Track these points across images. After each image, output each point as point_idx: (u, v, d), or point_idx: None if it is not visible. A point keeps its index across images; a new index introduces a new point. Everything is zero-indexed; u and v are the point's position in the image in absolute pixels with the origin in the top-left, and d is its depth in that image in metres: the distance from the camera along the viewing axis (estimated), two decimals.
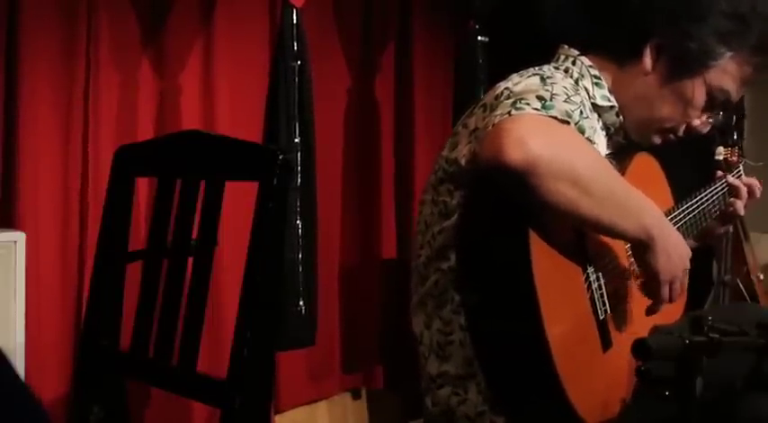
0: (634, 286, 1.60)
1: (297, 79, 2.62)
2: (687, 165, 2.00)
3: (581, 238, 1.46)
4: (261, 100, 2.71)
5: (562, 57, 1.64)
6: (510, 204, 1.36)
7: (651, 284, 1.50)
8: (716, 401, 1.38)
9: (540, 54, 1.66)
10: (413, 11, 3.21)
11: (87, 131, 2.47)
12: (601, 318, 1.47)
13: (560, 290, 1.40)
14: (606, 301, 1.49)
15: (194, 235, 1.69)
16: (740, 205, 1.90)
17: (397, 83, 3.24)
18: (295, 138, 2.62)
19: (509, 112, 1.34)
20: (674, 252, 1.47)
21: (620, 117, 1.61)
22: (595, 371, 1.45)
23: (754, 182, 1.94)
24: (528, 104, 1.35)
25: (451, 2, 3.27)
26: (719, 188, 1.88)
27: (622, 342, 1.49)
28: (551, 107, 1.36)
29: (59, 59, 2.42)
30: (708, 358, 1.17)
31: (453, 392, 1.48)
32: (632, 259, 1.59)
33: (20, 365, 2.16)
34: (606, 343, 1.47)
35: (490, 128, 1.34)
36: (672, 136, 1.67)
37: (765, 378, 1.39)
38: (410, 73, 3.22)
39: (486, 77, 2.95)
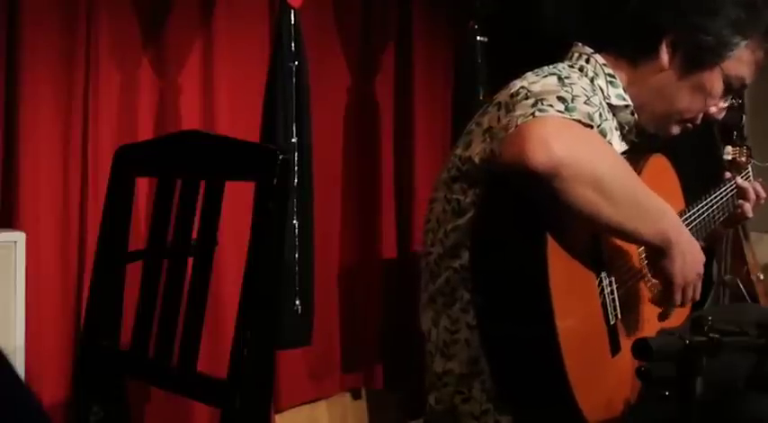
0: (645, 291, 1.60)
1: (294, 80, 2.62)
2: (693, 165, 1.99)
3: (596, 241, 1.46)
4: (261, 100, 2.71)
5: (576, 55, 1.63)
6: (527, 205, 1.36)
7: (666, 289, 1.50)
8: (716, 402, 1.38)
9: (539, 54, 1.66)
10: (412, 11, 3.21)
11: (87, 131, 2.47)
12: (611, 323, 1.47)
13: (574, 293, 1.40)
14: (617, 306, 1.49)
15: (194, 235, 1.69)
16: (748, 208, 1.90)
17: (397, 83, 3.24)
18: (292, 138, 2.62)
19: (532, 114, 1.33)
20: (690, 257, 1.47)
21: (635, 115, 1.61)
22: (603, 374, 1.45)
23: (758, 185, 1.94)
24: (551, 106, 1.35)
25: (451, 2, 3.27)
26: (728, 190, 1.88)
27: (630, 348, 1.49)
28: (574, 109, 1.35)
29: (59, 59, 2.42)
30: (708, 358, 1.17)
31: (457, 391, 1.48)
32: (645, 263, 1.59)
33: (20, 365, 2.16)
34: (615, 348, 1.48)
35: (512, 129, 1.33)
36: (690, 125, 1.67)
37: (766, 378, 1.39)
38: (410, 73, 3.22)
39: (486, 77, 2.95)
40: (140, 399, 2.56)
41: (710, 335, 1.17)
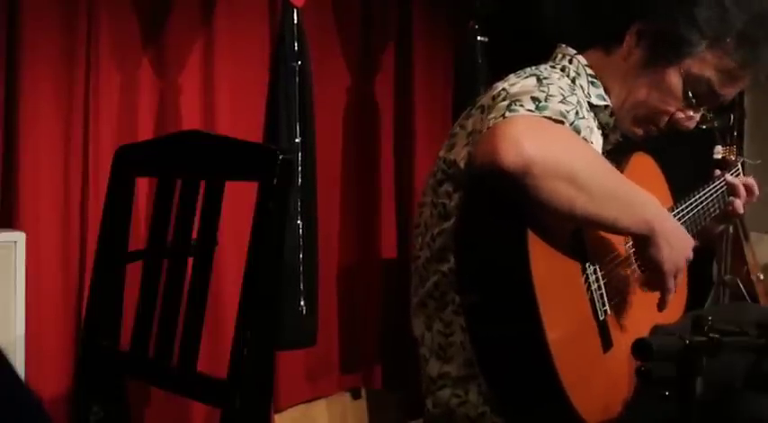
0: (635, 285, 1.60)
1: (297, 79, 2.62)
2: (685, 165, 1.99)
3: (580, 238, 1.46)
4: (261, 100, 2.71)
5: (559, 56, 1.65)
6: (507, 206, 1.36)
7: (656, 277, 1.50)
8: (714, 401, 1.38)
9: (539, 54, 1.67)
10: (413, 11, 3.21)
11: (87, 131, 2.47)
12: (601, 318, 1.47)
13: (559, 291, 1.40)
14: (606, 302, 1.49)
15: (194, 235, 1.69)
16: (739, 204, 1.90)
17: (397, 83, 3.24)
18: (296, 138, 2.62)
19: (503, 115, 1.34)
20: (677, 243, 1.47)
21: (614, 118, 1.61)
22: (596, 371, 1.45)
23: (752, 181, 1.94)
24: (522, 106, 1.35)
25: (451, 2, 3.27)
26: (718, 187, 1.88)
27: (623, 342, 1.49)
28: (545, 108, 1.36)
29: (60, 59, 2.42)
30: (708, 358, 1.17)
31: (454, 394, 1.48)
32: (633, 257, 1.59)
33: (20, 365, 2.17)
34: (606, 344, 1.47)
35: (485, 131, 1.34)
36: (653, 128, 1.65)
37: (764, 378, 1.39)
38: (410, 73, 3.22)
39: (486, 77, 2.95)
40: (140, 399, 2.56)
41: (710, 335, 1.17)
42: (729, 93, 1.63)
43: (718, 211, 1.88)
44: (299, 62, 2.62)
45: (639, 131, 1.66)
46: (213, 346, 2.46)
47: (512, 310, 1.36)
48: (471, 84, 2.95)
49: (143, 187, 2.43)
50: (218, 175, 1.67)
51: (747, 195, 1.92)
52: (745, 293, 3.10)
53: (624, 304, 1.58)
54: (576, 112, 1.41)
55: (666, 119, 1.63)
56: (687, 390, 1.17)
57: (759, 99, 3.30)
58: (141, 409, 2.59)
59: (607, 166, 1.41)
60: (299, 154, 2.62)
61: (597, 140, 1.59)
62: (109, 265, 1.81)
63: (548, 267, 1.36)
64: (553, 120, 1.35)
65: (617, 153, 1.67)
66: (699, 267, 1.69)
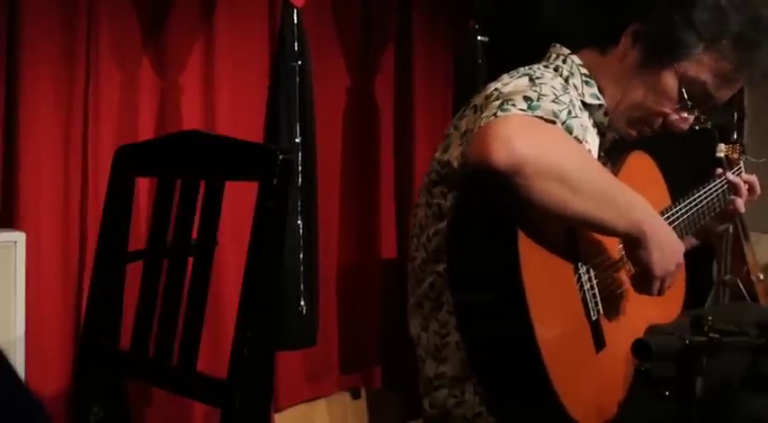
0: (628, 284, 1.60)
1: (297, 79, 2.62)
2: (686, 164, 1.99)
3: (572, 237, 1.46)
4: (261, 100, 2.71)
5: (553, 55, 1.64)
6: (498, 206, 1.36)
7: (644, 279, 1.49)
8: (715, 401, 1.38)
9: (539, 54, 1.67)
10: (413, 11, 3.21)
11: (87, 131, 2.47)
12: (593, 318, 1.47)
13: (551, 291, 1.39)
14: (599, 302, 1.49)
15: (194, 235, 1.69)
16: (740, 203, 1.89)
17: (397, 83, 3.24)
18: (296, 138, 2.62)
19: (494, 114, 1.34)
20: (667, 247, 1.46)
21: (608, 117, 1.61)
22: (588, 371, 1.45)
23: (754, 179, 1.93)
24: (514, 105, 1.35)
25: (451, 2, 3.27)
26: (719, 185, 1.88)
27: (616, 342, 1.49)
28: (537, 107, 1.36)
29: (60, 59, 2.42)
30: (708, 358, 1.17)
31: (450, 394, 1.48)
32: (625, 257, 1.59)
33: (20, 365, 2.16)
34: (599, 343, 1.47)
35: (476, 130, 1.34)
36: (647, 129, 1.65)
37: (762, 378, 1.39)
38: (410, 73, 3.22)
39: (486, 77, 2.95)
40: (140, 399, 2.56)
41: (710, 335, 1.17)
42: (724, 95, 1.62)
43: (718, 210, 1.88)
44: (300, 62, 2.62)
45: (633, 132, 1.66)
46: (213, 346, 2.46)
47: (502, 311, 1.36)
48: (471, 84, 2.95)
49: (143, 187, 2.43)
50: (218, 175, 1.67)
51: (749, 193, 1.91)
52: (745, 293, 3.10)
53: (618, 304, 1.57)
54: (569, 111, 1.41)
55: (660, 120, 1.63)
56: (687, 390, 1.17)
57: (759, 97, 3.30)
58: (141, 409, 2.59)
59: (598, 166, 1.41)
60: (299, 154, 2.62)
61: (593, 139, 1.59)
62: (109, 264, 1.81)
63: (539, 267, 1.36)
64: (545, 119, 1.35)
65: (614, 151, 1.67)
66: (699, 267, 1.69)
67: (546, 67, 1.59)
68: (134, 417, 2.51)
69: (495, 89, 1.45)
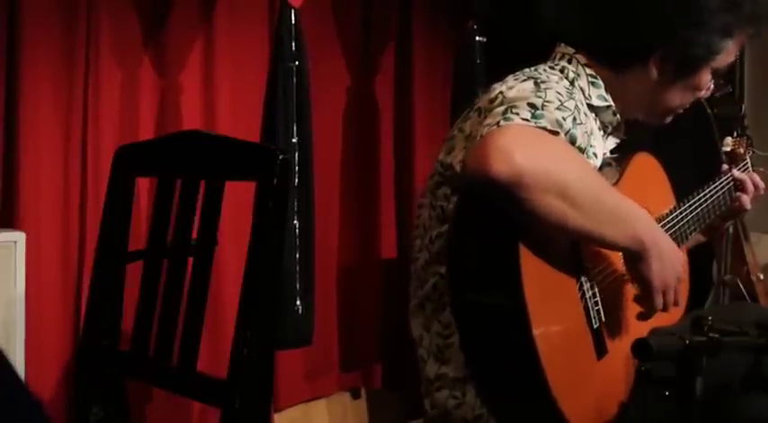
0: (630, 292, 1.59)
1: (295, 79, 2.62)
2: (688, 164, 1.99)
3: (575, 245, 1.45)
4: (261, 100, 2.71)
5: (558, 55, 1.63)
6: (499, 212, 1.35)
7: (645, 293, 1.48)
8: (715, 401, 1.38)
9: (539, 54, 1.66)
10: (412, 11, 3.21)
11: (87, 131, 2.47)
12: (595, 326, 1.46)
13: (552, 299, 1.39)
14: (601, 309, 1.47)
15: (194, 235, 1.69)
16: (746, 199, 1.89)
17: (397, 83, 3.24)
18: (292, 138, 2.62)
19: (498, 123, 1.33)
20: (667, 260, 1.45)
21: (618, 116, 1.61)
22: (589, 379, 1.44)
23: (756, 176, 1.93)
24: (517, 114, 1.34)
25: (451, 2, 3.27)
26: (725, 183, 1.87)
27: (618, 349, 1.48)
28: (541, 116, 1.35)
29: (60, 59, 2.42)
30: (708, 358, 1.17)
31: (451, 395, 1.48)
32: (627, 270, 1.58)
33: (20, 365, 2.16)
34: (601, 351, 1.46)
35: (478, 138, 1.33)
36: (681, 111, 1.69)
37: (762, 378, 1.39)
38: (409, 73, 3.22)
39: (485, 77, 2.95)
40: (140, 399, 2.56)
41: (710, 335, 1.17)
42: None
43: (724, 208, 1.87)
44: (297, 62, 2.61)
45: (668, 120, 1.70)
46: (213, 346, 2.46)
47: (501, 318, 1.36)
48: (470, 84, 2.95)
49: (143, 187, 2.43)
50: (218, 174, 1.67)
51: (755, 190, 1.91)
52: (745, 293, 3.10)
53: (621, 311, 1.56)
54: (574, 119, 1.40)
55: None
56: (687, 390, 1.17)
57: (760, 91, 3.30)
58: (141, 409, 2.59)
59: (598, 179, 1.40)
60: (296, 154, 2.62)
61: (598, 142, 1.58)
62: (109, 264, 1.81)
63: (540, 276, 1.36)
64: (548, 129, 1.34)
65: (619, 153, 1.67)
66: (699, 267, 1.68)
67: (552, 68, 1.57)
68: (134, 417, 2.50)
69: (500, 93, 1.43)
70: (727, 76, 1.73)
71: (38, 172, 2.39)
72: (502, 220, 1.35)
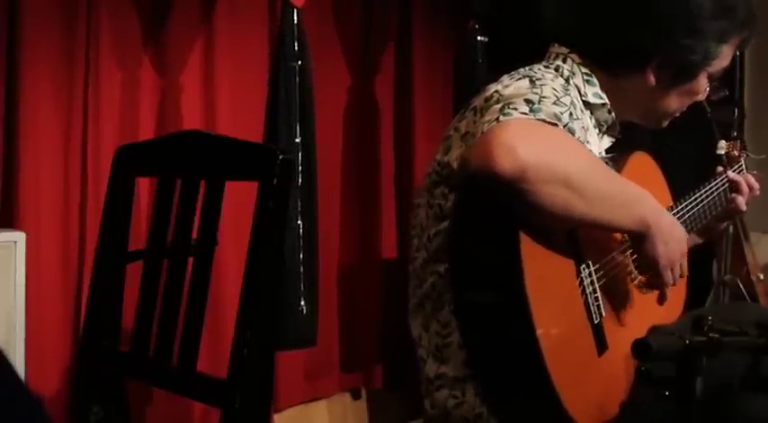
0: (631, 286, 1.60)
1: (297, 79, 2.62)
2: (686, 163, 1.99)
3: (574, 239, 1.46)
4: (261, 99, 2.71)
5: (553, 55, 1.64)
6: (500, 209, 1.36)
7: (653, 271, 1.52)
8: (715, 401, 1.38)
9: (539, 54, 1.66)
10: (413, 11, 3.21)
11: (87, 131, 2.47)
12: (596, 321, 1.47)
13: (553, 296, 1.39)
14: (601, 305, 1.49)
15: (194, 235, 1.69)
16: (741, 201, 1.90)
17: (397, 83, 3.24)
18: (296, 138, 2.62)
19: (497, 119, 1.34)
20: (671, 238, 1.49)
21: (612, 114, 1.62)
22: (590, 374, 1.45)
23: (751, 177, 1.94)
24: (515, 109, 1.35)
25: (451, 2, 3.27)
26: (720, 184, 1.88)
27: (619, 344, 1.49)
28: (539, 110, 1.36)
29: (60, 59, 2.42)
30: (708, 358, 1.17)
31: (451, 395, 1.48)
32: (629, 258, 1.59)
33: (20, 365, 2.16)
34: (601, 346, 1.47)
35: (479, 135, 1.34)
36: (678, 114, 1.70)
37: (762, 378, 1.39)
38: (410, 73, 3.22)
39: (486, 78, 2.95)
40: (140, 399, 2.56)
41: (710, 335, 1.17)
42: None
43: (719, 209, 1.88)
44: (300, 62, 2.62)
45: (665, 123, 1.71)
46: (213, 346, 2.46)
47: (503, 314, 1.36)
48: (471, 84, 2.95)
49: (143, 187, 2.43)
50: (218, 175, 1.67)
51: (750, 191, 1.92)
52: (745, 293, 3.10)
53: (621, 306, 1.57)
54: (570, 114, 1.42)
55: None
56: (687, 390, 1.17)
57: (759, 93, 3.30)
58: (141, 409, 2.59)
59: (601, 165, 1.42)
60: (299, 154, 2.62)
61: (594, 140, 1.59)
62: (109, 265, 1.81)
63: (541, 272, 1.36)
64: (547, 122, 1.36)
65: (616, 152, 1.67)
66: (699, 267, 1.69)
67: (546, 67, 1.58)
68: (134, 417, 2.50)
69: (496, 91, 1.45)
70: (723, 80, 1.72)
71: (38, 172, 2.39)
72: (501, 216, 1.36)
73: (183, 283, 1.68)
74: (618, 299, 1.57)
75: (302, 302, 2.63)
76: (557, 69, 1.59)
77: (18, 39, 2.34)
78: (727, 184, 1.89)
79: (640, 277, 1.60)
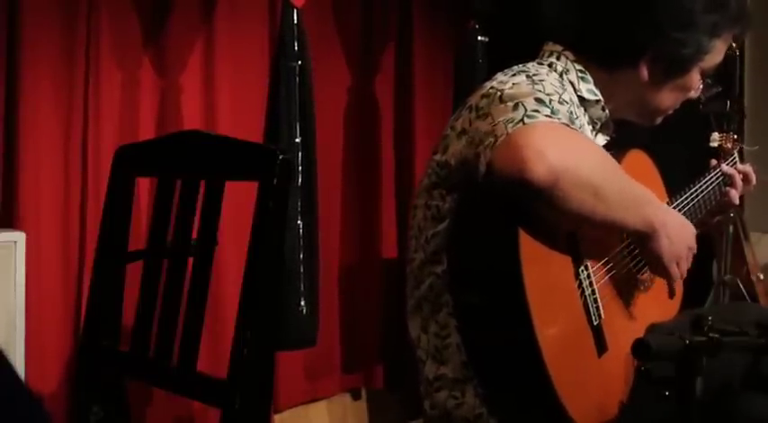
0: (631, 285, 1.60)
1: (297, 79, 2.62)
2: (681, 161, 1.99)
3: (573, 240, 1.46)
4: (261, 99, 2.71)
5: (546, 53, 1.64)
6: (499, 209, 1.36)
7: (659, 269, 1.53)
8: (715, 401, 1.38)
9: (538, 54, 1.66)
10: (413, 11, 3.21)
11: (87, 131, 2.47)
12: (595, 323, 1.47)
13: (552, 297, 1.39)
14: (600, 306, 1.49)
15: (194, 235, 1.69)
16: (735, 194, 1.91)
17: (397, 83, 3.24)
18: (296, 138, 2.62)
19: (521, 120, 1.32)
20: (675, 235, 1.50)
21: (606, 111, 1.62)
22: (590, 375, 1.45)
23: (749, 168, 1.94)
24: (537, 111, 1.34)
25: (451, 2, 3.27)
26: (714, 178, 1.88)
27: (619, 344, 1.49)
28: (558, 111, 1.37)
29: (60, 59, 2.42)
30: (708, 358, 1.17)
31: (451, 396, 1.48)
32: (629, 258, 1.59)
33: (20, 365, 2.17)
34: (601, 348, 1.47)
35: (503, 137, 1.32)
36: (672, 111, 1.70)
37: (762, 378, 1.39)
38: (410, 73, 3.22)
39: (486, 77, 2.95)
40: (140, 399, 2.56)
41: (710, 335, 1.17)
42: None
43: (714, 203, 1.88)
44: (300, 62, 2.62)
45: (659, 120, 1.71)
46: (213, 346, 2.46)
47: (503, 315, 1.36)
48: (471, 83, 2.95)
49: (143, 187, 2.43)
50: (218, 175, 1.67)
51: (744, 183, 1.92)
52: (745, 293, 3.10)
53: (620, 306, 1.57)
54: (571, 112, 1.42)
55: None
56: (687, 390, 1.17)
57: (759, 84, 3.30)
58: (141, 409, 2.59)
59: (614, 165, 1.43)
60: (300, 153, 2.62)
61: (588, 137, 1.59)
62: (109, 264, 1.81)
63: (540, 273, 1.36)
64: (564, 123, 1.36)
65: (612, 150, 1.67)
66: (699, 267, 1.69)
67: (540, 64, 1.59)
68: (134, 417, 2.50)
69: (492, 88, 1.44)
70: (716, 77, 1.73)
71: (38, 172, 2.39)
72: (501, 217, 1.36)
73: (183, 283, 1.68)
74: (617, 299, 1.57)
75: (302, 302, 2.64)
76: (550, 65, 1.59)
77: (18, 39, 2.34)
78: (721, 178, 1.89)
79: (640, 277, 1.60)
